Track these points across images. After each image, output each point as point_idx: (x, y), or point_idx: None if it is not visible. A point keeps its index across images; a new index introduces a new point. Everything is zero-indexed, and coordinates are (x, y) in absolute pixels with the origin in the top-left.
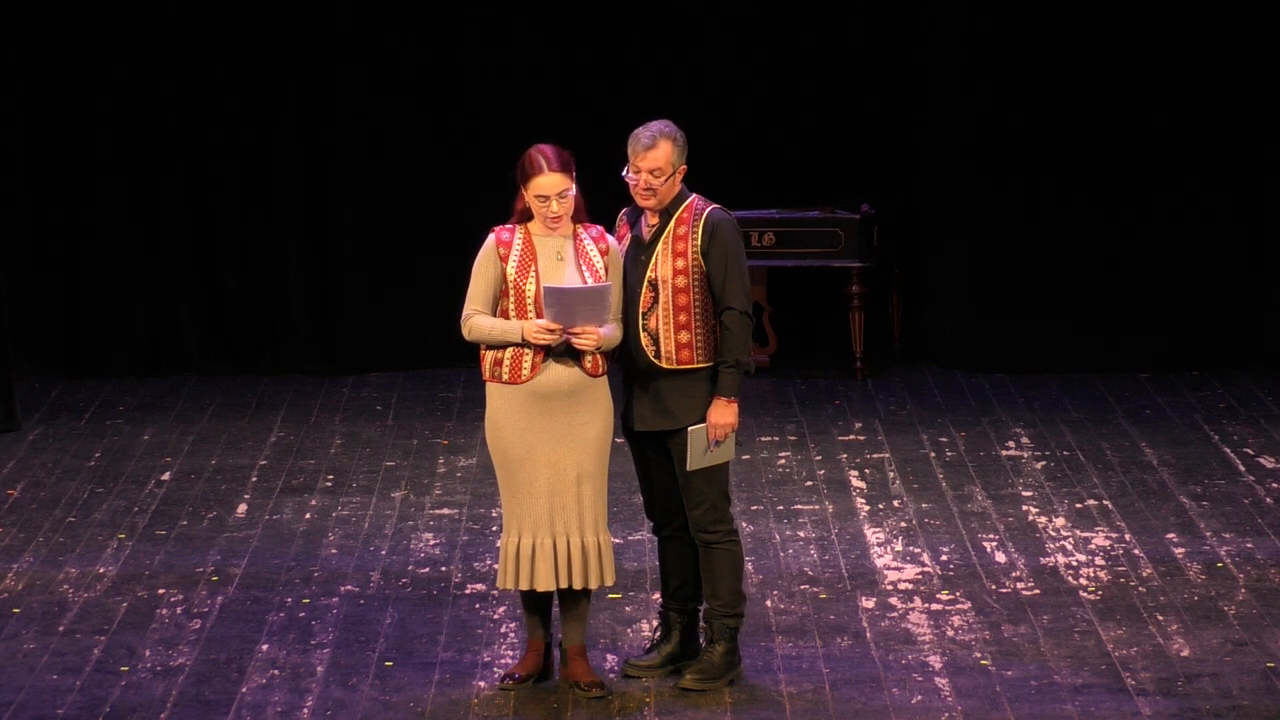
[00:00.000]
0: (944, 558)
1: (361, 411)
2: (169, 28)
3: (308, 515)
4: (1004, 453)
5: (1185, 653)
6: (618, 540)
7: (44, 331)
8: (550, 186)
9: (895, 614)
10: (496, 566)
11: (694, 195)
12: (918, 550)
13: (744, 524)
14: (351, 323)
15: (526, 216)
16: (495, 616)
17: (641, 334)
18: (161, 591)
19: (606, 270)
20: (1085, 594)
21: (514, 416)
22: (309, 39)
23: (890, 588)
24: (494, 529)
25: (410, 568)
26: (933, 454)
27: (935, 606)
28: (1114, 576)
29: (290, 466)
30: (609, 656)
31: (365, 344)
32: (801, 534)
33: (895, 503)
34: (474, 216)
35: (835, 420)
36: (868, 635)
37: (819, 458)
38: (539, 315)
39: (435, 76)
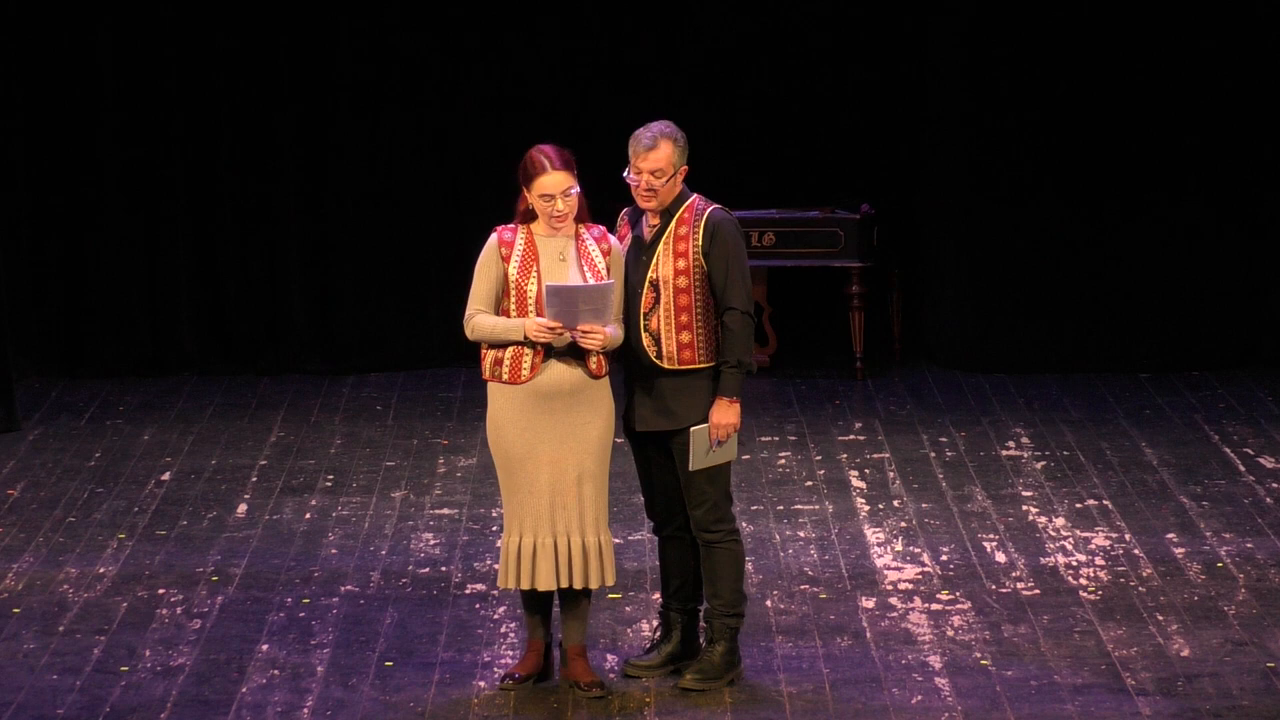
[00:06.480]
0: (944, 558)
1: (361, 411)
2: (170, 26)
3: (308, 515)
4: (1004, 453)
5: (1185, 653)
6: (618, 540)
7: (44, 331)
8: (555, 185)
9: (895, 614)
10: (497, 566)
11: (695, 195)
12: (918, 550)
13: (744, 524)
14: (351, 323)
15: (529, 217)
16: (495, 616)
17: (643, 334)
18: (161, 591)
19: (608, 270)
20: (1085, 594)
21: (515, 416)
22: (309, 38)
23: (890, 588)
24: (494, 529)
25: (410, 568)
26: (933, 454)
27: (935, 606)
28: (1114, 576)
29: (290, 466)
30: (609, 656)
31: (365, 344)
32: (801, 534)
33: (895, 503)
34: (474, 216)
35: (835, 420)
36: (868, 635)
37: (819, 458)
38: (540, 315)
39: (435, 75)
